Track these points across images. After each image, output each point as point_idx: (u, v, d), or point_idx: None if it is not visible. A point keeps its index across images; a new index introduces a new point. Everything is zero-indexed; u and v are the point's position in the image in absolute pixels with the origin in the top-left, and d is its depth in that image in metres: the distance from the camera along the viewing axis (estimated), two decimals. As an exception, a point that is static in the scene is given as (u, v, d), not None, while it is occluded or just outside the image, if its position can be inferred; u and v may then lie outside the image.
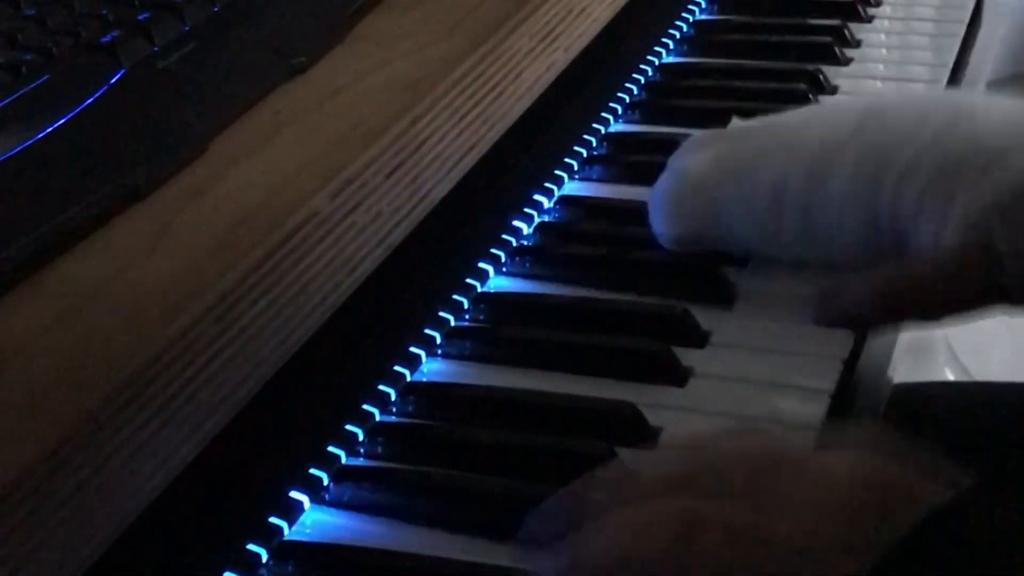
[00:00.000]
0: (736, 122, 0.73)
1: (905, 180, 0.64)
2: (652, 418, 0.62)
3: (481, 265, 0.73)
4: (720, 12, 1.01)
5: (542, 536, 0.52)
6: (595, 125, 0.85)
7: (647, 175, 0.81)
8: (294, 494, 0.59)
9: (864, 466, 0.47)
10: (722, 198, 0.69)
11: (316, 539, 0.58)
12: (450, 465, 0.61)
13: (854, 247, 0.67)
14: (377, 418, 0.63)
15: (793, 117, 0.71)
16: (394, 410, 0.64)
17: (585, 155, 0.83)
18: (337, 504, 0.60)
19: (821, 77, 0.89)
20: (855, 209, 0.66)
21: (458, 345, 0.68)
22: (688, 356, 0.66)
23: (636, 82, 0.90)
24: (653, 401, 0.63)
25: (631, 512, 0.48)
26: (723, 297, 0.70)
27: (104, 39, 0.66)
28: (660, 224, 0.72)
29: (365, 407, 0.63)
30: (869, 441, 0.49)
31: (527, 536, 0.52)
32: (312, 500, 0.59)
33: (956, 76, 0.91)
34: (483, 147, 0.72)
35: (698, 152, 0.72)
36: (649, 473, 0.50)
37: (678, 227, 0.71)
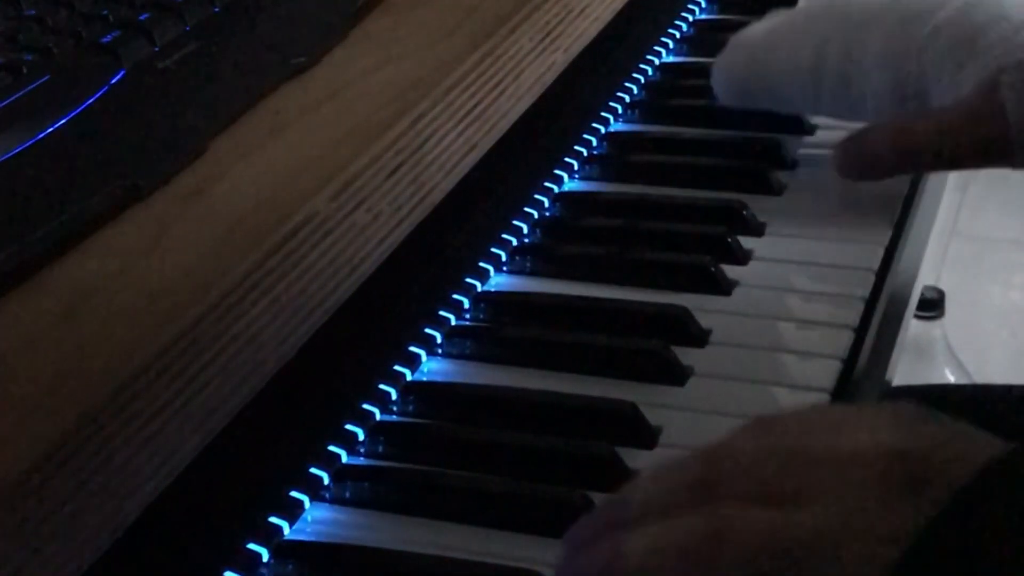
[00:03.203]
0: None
1: (930, 45, 0.73)
2: (652, 418, 0.62)
3: (481, 264, 0.73)
4: (720, 12, 1.01)
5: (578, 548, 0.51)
6: (595, 125, 0.85)
7: (647, 174, 0.82)
8: (294, 493, 0.59)
9: (892, 442, 0.45)
10: (773, 56, 0.80)
11: (316, 538, 0.58)
12: (450, 464, 0.61)
13: (884, 107, 0.75)
14: (377, 417, 0.64)
15: None
16: (394, 409, 0.64)
17: (585, 154, 0.83)
18: (337, 503, 0.60)
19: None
20: (886, 71, 0.75)
21: (458, 344, 0.68)
22: (688, 356, 0.66)
23: (636, 82, 0.91)
24: (653, 401, 0.63)
25: (655, 529, 0.47)
26: (720, 290, 0.71)
27: (104, 39, 0.66)
28: (718, 84, 0.83)
29: (365, 406, 0.63)
30: (896, 413, 0.47)
31: (565, 549, 0.52)
32: (312, 499, 0.59)
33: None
34: (483, 147, 0.72)
35: (759, 23, 0.83)
36: (669, 483, 0.49)
37: (734, 82, 0.82)
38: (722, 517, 0.46)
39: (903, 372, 0.74)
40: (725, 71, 0.82)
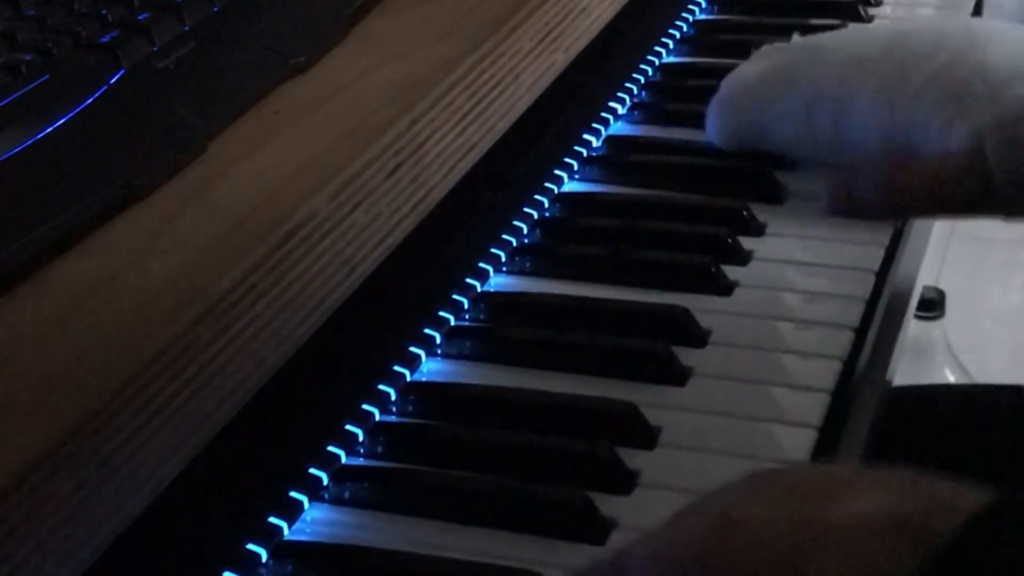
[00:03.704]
0: (796, 38, 0.83)
1: (918, 100, 0.74)
2: (652, 418, 0.62)
3: (481, 265, 0.73)
4: (720, 12, 1.01)
5: None
6: (595, 125, 0.85)
7: (647, 175, 0.82)
8: (294, 494, 0.59)
9: (892, 510, 0.46)
10: (766, 104, 0.79)
11: (316, 539, 0.58)
12: (450, 465, 0.61)
13: (875, 153, 0.76)
14: (377, 418, 0.63)
15: (834, 37, 0.82)
16: (394, 410, 0.64)
17: (585, 155, 0.83)
18: (337, 504, 0.60)
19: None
20: (876, 121, 0.76)
21: (458, 345, 0.68)
22: (688, 356, 0.66)
23: (636, 82, 0.90)
24: (653, 401, 0.63)
25: None
26: (722, 291, 0.71)
27: (104, 39, 0.66)
28: (712, 126, 0.82)
29: (365, 407, 0.63)
30: (892, 479, 0.48)
31: None
32: (312, 500, 0.59)
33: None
34: (483, 147, 0.72)
35: (753, 63, 0.82)
36: (674, 555, 0.49)
37: (728, 128, 0.81)
38: None
39: (903, 372, 0.74)
40: (718, 117, 0.82)
